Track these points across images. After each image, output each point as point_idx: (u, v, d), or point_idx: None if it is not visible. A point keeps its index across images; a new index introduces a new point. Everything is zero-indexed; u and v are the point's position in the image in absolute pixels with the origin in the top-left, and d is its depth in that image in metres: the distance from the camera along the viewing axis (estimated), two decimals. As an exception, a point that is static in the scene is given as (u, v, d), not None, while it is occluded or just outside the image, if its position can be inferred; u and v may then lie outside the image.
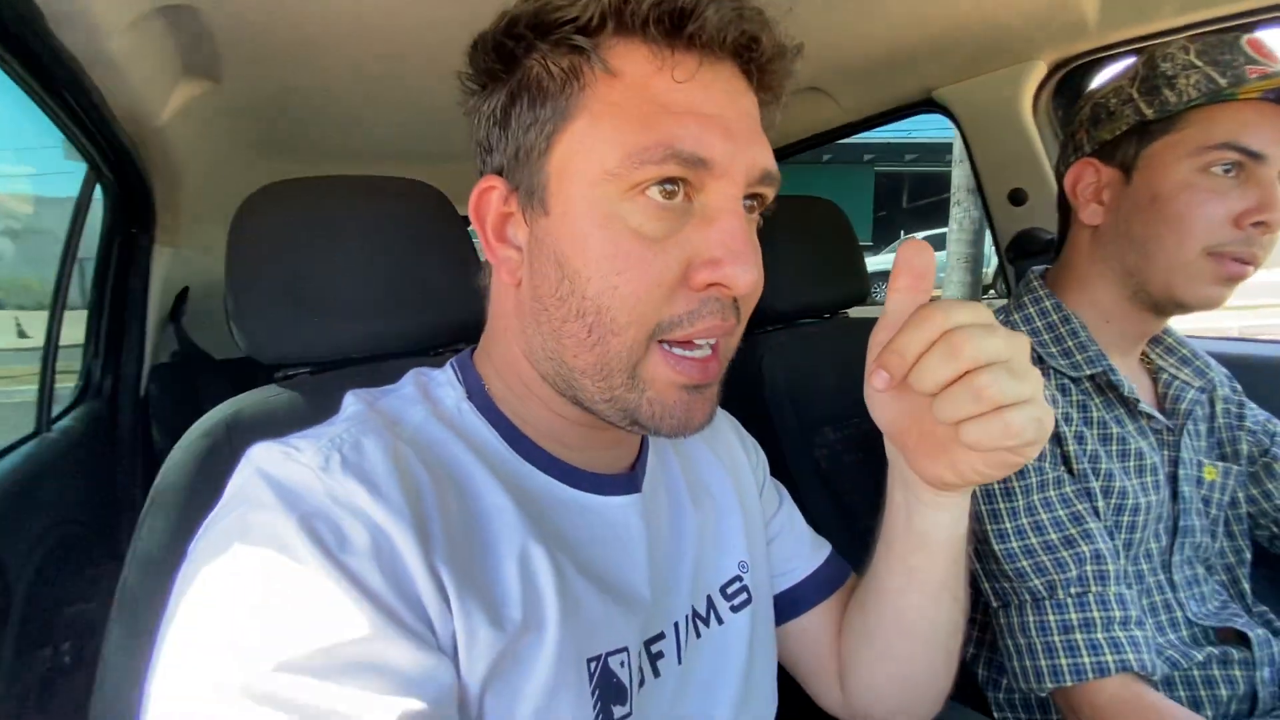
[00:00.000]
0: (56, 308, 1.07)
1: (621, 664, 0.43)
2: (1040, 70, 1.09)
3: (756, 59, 0.41)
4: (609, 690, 0.42)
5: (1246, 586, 0.80)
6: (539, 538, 0.41)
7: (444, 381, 0.47)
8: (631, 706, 0.43)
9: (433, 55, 0.97)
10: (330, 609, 0.33)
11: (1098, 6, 0.92)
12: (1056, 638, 0.64)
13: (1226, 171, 0.65)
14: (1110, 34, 0.96)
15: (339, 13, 0.84)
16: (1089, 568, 0.65)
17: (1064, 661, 0.63)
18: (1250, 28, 0.68)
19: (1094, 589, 0.64)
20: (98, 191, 1.16)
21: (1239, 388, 0.85)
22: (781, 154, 1.64)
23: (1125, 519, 0.71)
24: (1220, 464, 0.79)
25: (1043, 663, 0.64)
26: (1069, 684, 0.62)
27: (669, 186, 0.38)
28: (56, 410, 1.15)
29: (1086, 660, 0.62)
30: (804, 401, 1.00)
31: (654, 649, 0.47)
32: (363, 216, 0.75)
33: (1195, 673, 0.70)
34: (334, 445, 0.38)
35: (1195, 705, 0.69)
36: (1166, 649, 0.70)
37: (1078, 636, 0.63)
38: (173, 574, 0.62)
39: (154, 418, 1.35)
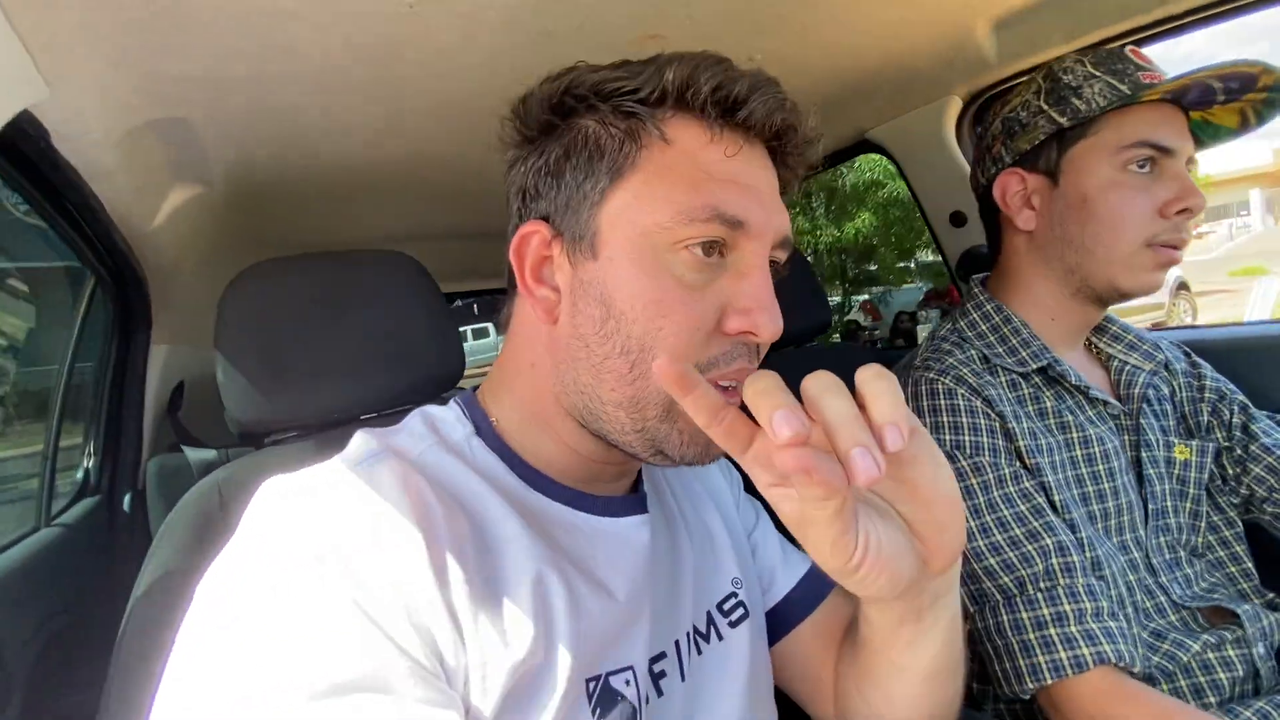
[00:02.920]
0: (58, 407, 1.11)
1: (627, 682, 0.44)
2: (957, 104, 1.20)
3: (787, 144, 0.47)
4: (612, 709, 0.43)
5: (1250, 565, 0.79)
6: (552, 562, 0.43)
7: (451, 419, 0.49)
8: None
9: (416, 146, 1.06)
10: (341, 644, 0.34)
11: (994, 44, 1.02)
12: (1031, 635, 0.64)
13: (1142, 167, 0.71)
14: (1010, 65, 1.07)
15: (323, 112, 0.92)
16: (1055, 560, 0.65)
17: (1041, 659, 0.62)
18: (1124, 45, 0.77)
19: (1062, 581, 0.65)
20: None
21: (1199, 361, 0.87)
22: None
23: (1094, 508, 0.72)
24: (1193, 442, 0.80)
25: (1021, 662, 0.63)
26: (1048, 681, 0.62)
27: (709, 244, 0.42)
28: (56, 507, 1.18)
29: (1063, 655, 0.62)
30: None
31: (656, 668, 0.48)
32: (344, 287, 0.81)
33: (1192, 661, 0.69)
34: (348, 477, 0.40)
35: (1197, 693, 0.68)
36: (1163, 640, 0.70)
37: (1052, 631, 0.63)
38: (170, 636, 0.64)
39: (151, 508, 1.37)
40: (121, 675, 0.61)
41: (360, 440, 0.46)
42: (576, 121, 0.45)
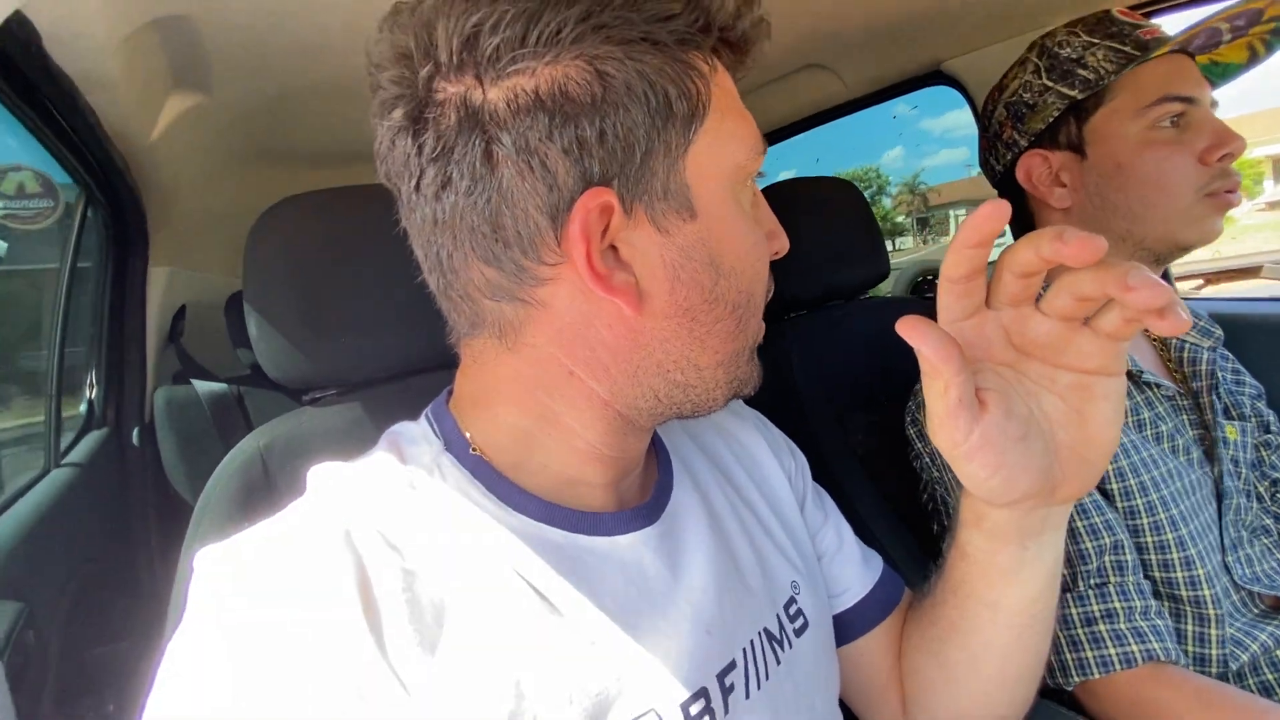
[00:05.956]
0: (58, 338, 1.03)
1: None
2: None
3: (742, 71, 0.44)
4: None
5: None
6: (534, 605, 0.37)
7: (419, 437, 0.43)
8: None
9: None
10: None
11: (1117, -31, 0.90)
12: (1080, 630, 0.62)
13: (1171, 123, 0.70)
14: (1129, -3, 0.95)
15: (333, 15, 0.80)
16: (1108, 559, 0.64)
17: (1089, 654, 0.61)
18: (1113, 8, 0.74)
19: (1113, 579, 0.63)
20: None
21: (1228, 354, 0.86)
22: (785, 133, 1.61)
23: (1154, 496, 0.69)
24: (1236, 423, 0.79)
25: (1068, 657, 0.62)
26: (1095, 676, 0.61)
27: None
28: (63, 444, 1.12)
29: (1112, 651, 0.61)
30: (837, 388, 0.99)
31: (727, 681, 0.42)
32: (381, 227, 0.71)
33: (1261, 657, 0.67)
34: (275, 553, 0.35)
35: (1266, 691, 0.67)
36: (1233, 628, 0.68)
37: (1101, 628, 0.62)
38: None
39: (162, 442, 1.32)
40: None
41: (310, 486, 0.40)
42: (601, 50, 0.34)
